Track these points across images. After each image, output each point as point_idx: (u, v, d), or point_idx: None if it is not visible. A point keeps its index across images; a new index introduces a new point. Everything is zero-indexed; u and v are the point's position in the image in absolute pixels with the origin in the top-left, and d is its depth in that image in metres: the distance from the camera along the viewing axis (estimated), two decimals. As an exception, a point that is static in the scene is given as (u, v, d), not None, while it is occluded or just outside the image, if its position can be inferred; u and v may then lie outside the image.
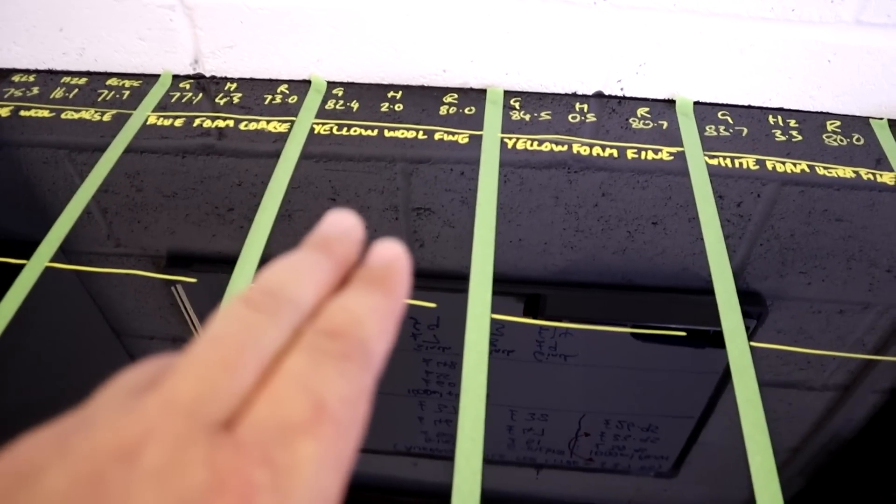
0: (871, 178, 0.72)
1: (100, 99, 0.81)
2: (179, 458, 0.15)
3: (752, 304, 0.60)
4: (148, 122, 0.77)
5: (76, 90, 0.82)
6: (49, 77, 0.85)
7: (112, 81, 0.84)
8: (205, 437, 0.16)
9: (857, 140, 0.77)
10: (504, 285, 0.61)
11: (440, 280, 0.62)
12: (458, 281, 0.61)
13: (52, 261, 0.63)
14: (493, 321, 0.58)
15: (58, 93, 0.82)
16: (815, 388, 0.56)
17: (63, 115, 0.78)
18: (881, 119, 0.80)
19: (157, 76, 0.84)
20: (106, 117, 0.78)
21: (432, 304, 0.59)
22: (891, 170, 0.73)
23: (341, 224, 0.23)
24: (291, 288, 0.20)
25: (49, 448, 0.16)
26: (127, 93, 0.82)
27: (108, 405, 0.17)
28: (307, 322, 0.20)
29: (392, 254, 0.22)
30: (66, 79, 0.84)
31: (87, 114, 0.79)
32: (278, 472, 0.16)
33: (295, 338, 0.19)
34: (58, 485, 0.15)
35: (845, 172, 0.73)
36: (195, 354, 0.18)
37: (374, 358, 0.20)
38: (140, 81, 0.83)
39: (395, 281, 0.22)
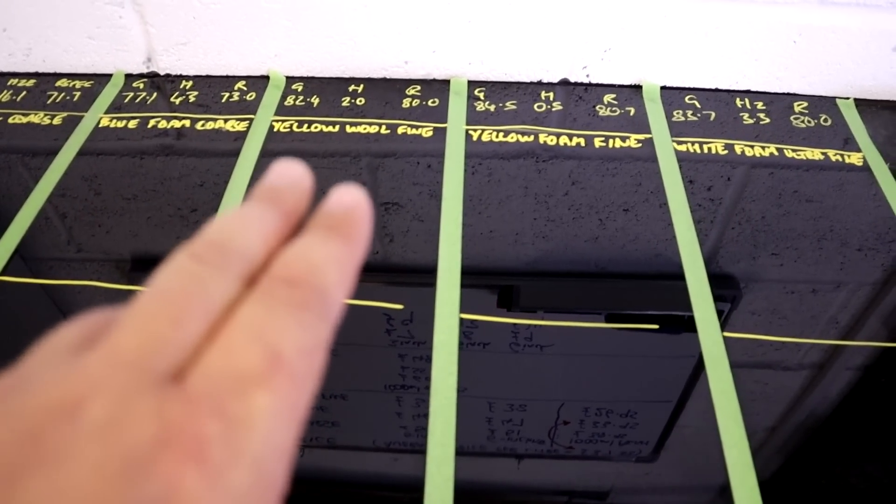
0: (840, 158, 0.76)
1: (49, 101, 0.82)
2: (125, 412, 0.15)
3: (726, 288, 0.63)
4: (101, 124, 0.78)
5: (24, 93, 0.83)
6: (-6, 80, 0.85)
7: (62, 82, 0.85)
8: (151, 389, 0.16)
9: (825, 121, 0.80)
10: (476, 278, 0.63)
11: (412, 275, 0.64)
12: (429, 275, 0.63)
13: (7, 267, 0.64)
14: (463, 319, 0.60)
15: (4, 96, 0.82)
16: (791, 368, 0.59)
17: (11, 120, 0.79)
18: (847, 99, 0.83)
19: (109, 76, 0.85)
20: (56, 120, 0.79)
21: (399, 306, 0.61)
22: (858, 150, 0.77)
23: (288, 173, 0.23)
24: (238, 239, 0.20)
25: None
26: (78, 94, 0.83)
27: (45, 363, 0.17)
28: (261, 271, 0.20)
29: (351, 198, 0.22)
30: (13, 81, 0.85)
31: (37, 117, 0.80)
32: (231, 425, 0.16)
33: (248, 288, 0.19)
34: None
35: (814, 154, 0.76)
36: (138, 308, 0.18)
37: (333, 307, 0.20)
38: (91, 82, 0.84)
39: (356, 227, 0.22)
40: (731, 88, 0.84)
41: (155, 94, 0.83)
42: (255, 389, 0.17)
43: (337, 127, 0.79)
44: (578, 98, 0.83)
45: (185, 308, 0.18)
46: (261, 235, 0.20)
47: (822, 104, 0.83)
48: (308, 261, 0.20)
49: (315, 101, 0.82)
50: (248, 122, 0.79)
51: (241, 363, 0.17)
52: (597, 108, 0.82)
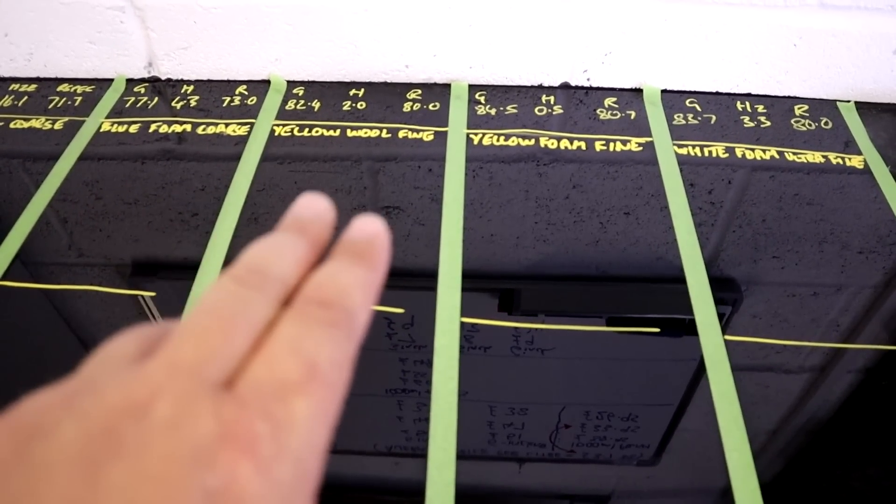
0: (841, 161, 0.76)
1: (51, 106, 0.82)
2: (188, 411, 0.18)
3: (727, 291, 0.63)
4: (102, 129, 0.79)
5: (25, 97, 0.83)
6: (-5, 85, 0.86)
7: (63, 87, 0.85)
8: (209, 393, 0.18)
9: (826, 124, 0.81)
10: (477, 281, 0.64)
11: (413, 278, 0.64)
12: (431, 279, 0.63)
13: (8, 271, 0.64)
14: (464, 322, 0.60)
15: (6, 101, 0.83)
16: (792, 371, 0.59)
17: (12, 125, 0.79)
18: (848, 102, 0.84)
19: (110, 80, 0.85)
20: (58, 125, 0.79)
21: (400, 310, 0.61)
22: (859, 153, 0.77)
23: (313, 206, 0.25)
24: (273, 264, 0.22)
25: (57, 407, 0.18)
26: (79, 99, 0.83)
27: (107, 370, 0.19)
28: (295, 294, 0.22)
29: (373, 228, 0.24)
30: (15, 86, 0.85)
31: (38, 122, 0.80)
32: (277, 425, 0.18)
33: (284, 309, 0.21)
34: (74, 437, 0.17)
35: (814, 157, 0.76)
36: (191, 323, 0.20)
37: (359, 326, 0.22)
38: (93, 87, 0.85)
39: (377, 254, 0.24)
40: (732, 92, 0.84)
41: (156, 99, 0.83)
42: (295, 396, 0.19)
43: (338, 131, 0.79)
44: (579, 102, 0.83)
45: (232, 324, 0.20)
46: (293, 262, 0.23)
47: (823, 107, 0.83)
48: (337, 284, 0.22)
49: (316, 105, 0.82)
50: (249, 126, 0.79)
51: (282, 373, 0.19)
52: (598, 111, 0.82)
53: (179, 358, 0.19)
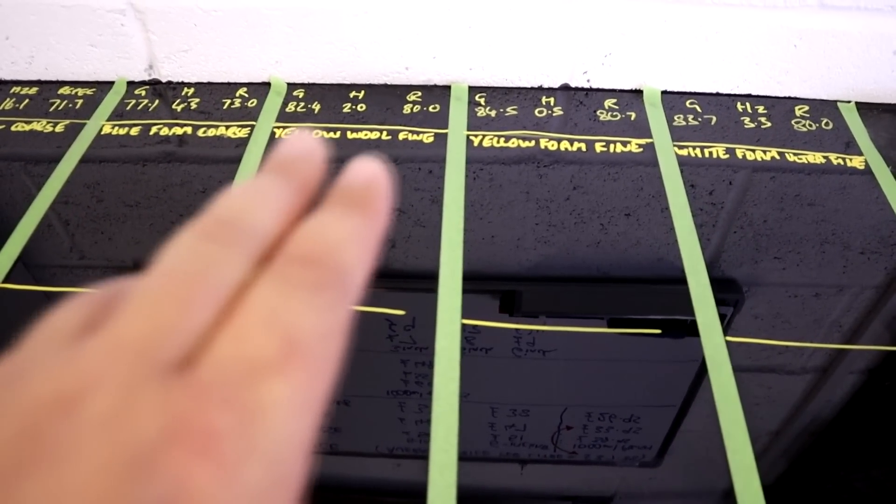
0: (842, 162, 0.76)
1: (52, 109, 0.82)
2: (129, 404, 0.14)
3: (728, 292, 0.63)
4: (103, 132, 0.79)
5: (26, 100, 0.83)
6: (-4, 88, 0.86)
7: (64, 90, 0.85)
8: (157, 380, 0.15)
9: (826, 124, 0.81)
10: (479, 283, 0.64)
11: (414, 280, 0.64)
12: (431, 281, 0.63)
13: (11, 274, 0.64)
14: (465, 324, 0.60)
15: (7, 104, 0.83)
16: (794, 372, 0.59)
17: (14, 127, 0.79)
18: (849, 102, 0.83)
19: (111, 83, 0.85)
20: (59, 128, 0.79)
21: (402, 312, 0.61)
22: (860, 153, 0.77)
23: (301, 143, 0.22)
24: (249, 214, 0.19)
25: None
26: (80, 101, 0.83)
27: (42, 351, 0.17)
28: (274, 250, 0.19)
29: (371, 171, 0.21)
30: (16, 89, 0.85)
31: (39, 125, 0.80)
32: (243, 416, 0.15)
33: (261, 269, 0.18)
34: None
35: (815, 157, 0.76)
36: (142, 292, 0.17)
37: (352, 287, 0.19)
38: (93, 89, 0.85)
39: (375, 201, 0.20)
40: (732, 92, 0.84)
41: (157, 102, 0.83)
42: (268, 378, 0.16)
43: (338, 133, 0.79)
44: (579, 103, 0.83)
45: (193, 291, 0.16)
46: (274, 211, 0.19)
47: (824, 108, 0.83)
48: (325, 238, 0.19)
49: (316, 107, 0.82)
50: (249, 128, 0.79)
51: (253, 350, 0.16)
52: (598, 112, 0.82)
53: (123, 335, 0.16)
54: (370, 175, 0.21)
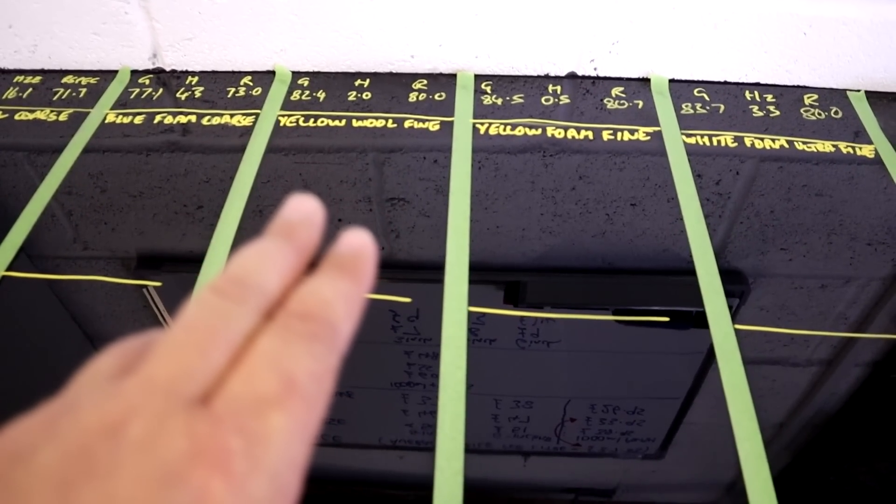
0: (851, 151, 0.76)
1: (55, 98, 0.82)
2: (160, 430, 0.18)
3: (735, 283, 0.63)
4: (107, 121, 0.79)
5: (30, 89, 0.83)
6: (0, 77, 0.86)
7: (68, 79, 0.85)
8: (183, 411, 0.18)
9: (836, 113, 0.80)
10: (483, 273, 0.64)
11: (419, 271, 0.64)
12: (436, 271, 0.63)
13: (14, 263, 0.64)
14: (471, 313, 0.60)
15: (10, 93, 0.83)
16: (800, 364, 0.59)
17: (17, 116, 0.80)
18: (858, 91, 0.83)
19: (114, 72, 0.85)
20: (62, 117, 0.79)
21: (407, 299, 0.62)
22: (869, 142, 0.76)
23: (302, 209, 0.25)
24: (257, 275, 0.22)
25: (38, 431, 0.18)
26: (84, 90, 0.83)
27: (88, 390, 0.20)
28: (277, 306, 0.22)
29: (359, 242, 0.25)
30: (19, 78, 0.85)
31: (43, 114, 0.80)
32: (251, 441, 0.19)
33: (265, 321, 0.22)
34: (50, 460, 0.17)
35: (824, 146, 0.76)
36: (169, 340, 0.20)
37: (341, 339, 0.22)
38: (97, 78, 0.85)
39: (363, 268, 0.24)
40: (741, 81, 0.84)
41: (161, 90, 0.83)
42: (272, 410, 0.19)
43: (343, 121, 0.79)
44: (586, 91, 0.83)
45: (210, 339, 0.20)
46: (277, 272, 0.23)
47: (833, 96, 0.83)
48: (320, 297, 0.22)
49: (321, 95, 0.82)
50: (254, 117, 0.79)
51: (259, 388, 0.20)
52: (605, 101, 0.81)
53: (155, 375, 0.19)
54: (359, 245, 0.25)
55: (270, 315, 0.22)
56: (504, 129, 0.78)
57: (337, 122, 0.79)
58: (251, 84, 0.84)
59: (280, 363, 0.20)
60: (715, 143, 0.76)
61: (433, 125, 0.78)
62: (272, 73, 0.85)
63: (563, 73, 0.85)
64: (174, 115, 0.80)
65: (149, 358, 0.20)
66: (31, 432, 0.19)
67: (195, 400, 0.19)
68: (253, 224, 0.67)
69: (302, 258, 0.24)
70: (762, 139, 0.77)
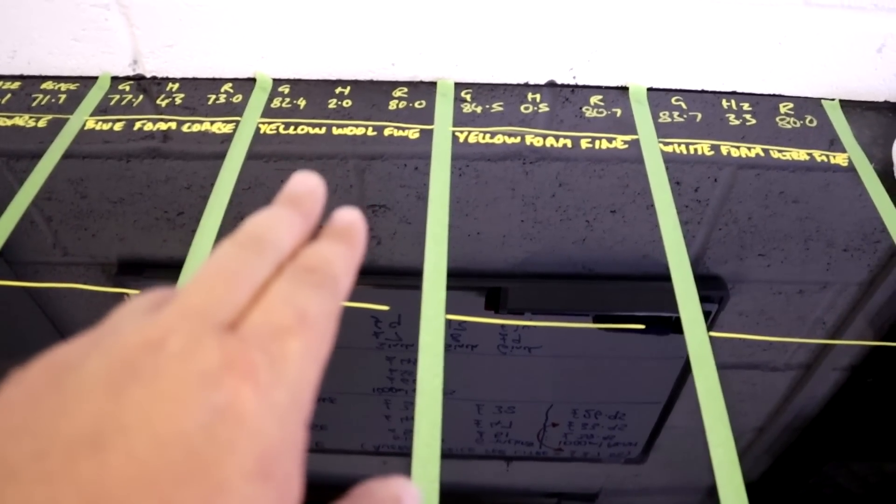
0: (825, 159, 0.76)
1: (34, 104, 0.81)
2: (197, 345, 0.20)
3: (713, 289, 0.63)
4: (87, 127, 0.78)
5: (9, 95, 0.83)
6: (-22, 83, 0.85)
7: (47, 85, 0.84)
8: (215, 332, 0.21)
9: (811, 122, 0.81)
10: (464, 280, 0.63)
11: (400, 277, 0.64)
12: (417, 277, 0.63)
13: (-6, 273, 0.64)
14: (449, 320, 0.60)
15: (-11, 99, 0.82)
16: (778, 369, 0.59)
17: (-4, 122, 0.79)
18: (833, 100, 0.84)
19: (94, 78, 0.85)
20: (42, 123, 0.79)
21: (385, 307, 0.61)
22: (843, 150, 0.77)
23: (307, 183, 0.28)
24: (271, 232, 0.25)
25: (84, 348, 0.21)
26: (63, 96, 0.82)
27: (127, 319, 0.22)
28: (287, 261, 0.25)
29: (352, 216, 0.28)
30: (-2, 84, 0.84)
31: (21, 120, 0.79)
32: (274, 359, 0.21)
33: (278, 273, 0.24)
34: (98, 368, 0.20)
35: (799, 154, 0.77)
36: (199, 277, 0.23)
37: (341, 290, 0.25)
38: (77, 84, 0.84)
39: (356, 236, 0.27)
40: (718, 90, 0.84)
41: (141, 97, 0.82)
42: (289, 336, 0.22)
43: (324, 129, 0.79)
44: (565, 99, 0.83)
45: (235, 279, 0.23)
46: (289, 233, 0.26)
47: (808, 105, 0.83)
48: (323, 255, 0.26)
49: (302, 103, 0.82)
50: (234, 124, 0.79)
51: (278, 319, 0.22)
52: (583, 109, 0.82)
53: (189, 304, 0.22)
54: (351, 219, 0.28)
55: (281, 268, 0.25)
56: (484, 137, 0.78)
57: (317, 130, 0.78)
58: (232, 91, 0.84)
59: (294, 300, 0.23)
60: (692, 152, 0.76)
61: (413, 133, 0.78)
62: (253, 80, 0.85)
63: (542, 82, 0.85)
64: (154, 121, 0.79)
65: (181, 293, 0.22)
66: (78, 349, 0.21)
67: (224, 326, 0.21)
68: (233, 231, 0.67)
69: (307, 224, 0.27)
70: (739, 147, 0.77)
